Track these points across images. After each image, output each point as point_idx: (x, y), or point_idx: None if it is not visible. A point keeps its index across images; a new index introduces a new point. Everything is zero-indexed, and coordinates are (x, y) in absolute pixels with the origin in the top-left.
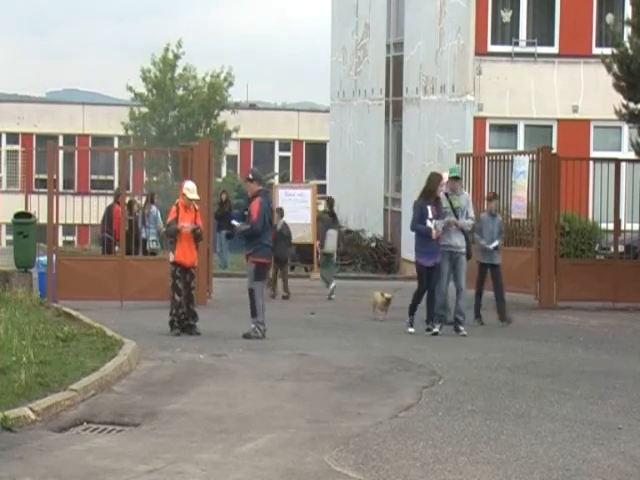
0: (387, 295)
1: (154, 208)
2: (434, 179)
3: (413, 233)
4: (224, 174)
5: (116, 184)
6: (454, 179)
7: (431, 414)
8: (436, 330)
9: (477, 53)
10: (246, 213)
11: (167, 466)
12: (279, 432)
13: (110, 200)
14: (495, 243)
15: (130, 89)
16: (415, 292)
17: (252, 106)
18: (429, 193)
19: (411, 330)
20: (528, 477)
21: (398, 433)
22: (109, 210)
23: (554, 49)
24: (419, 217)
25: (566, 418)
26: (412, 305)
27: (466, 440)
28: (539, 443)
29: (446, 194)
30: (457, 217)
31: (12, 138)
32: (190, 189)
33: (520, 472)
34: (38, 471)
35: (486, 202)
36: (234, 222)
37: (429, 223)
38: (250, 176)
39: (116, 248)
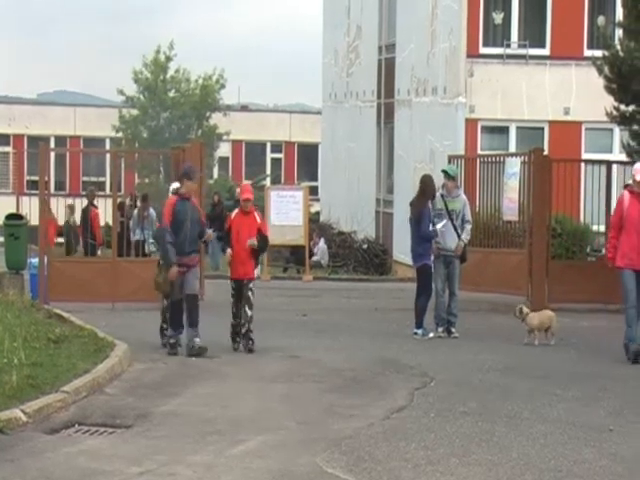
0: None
1: (152, 210)
2: (430, 181)
3: (405, 234)
4: (216, 176)
5: (108, 186)
6: (447, 177)
7: (423, 416)
8: (437, 334)
9: (469, 55)
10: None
11: (159, 468)
12: (271, 434)
13: (103, 202)
14: None
15: (121, 92)
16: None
17: (244, 108)
18: (429, 196)
19: (431, 335)
20: (520, 479)
21: (390, 435)
22: (85, 213)
23: (545, 51)
24: (429, 223)
25: (558, 420)
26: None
27: (458, 441)
28: (531, 445)
29: (442, 195)
30: (452, 219)
31: (3, 140)
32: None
33: (512, 474)
34: (29, 473)
35: None
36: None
37: (431, 227)
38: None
39: (98, 252)
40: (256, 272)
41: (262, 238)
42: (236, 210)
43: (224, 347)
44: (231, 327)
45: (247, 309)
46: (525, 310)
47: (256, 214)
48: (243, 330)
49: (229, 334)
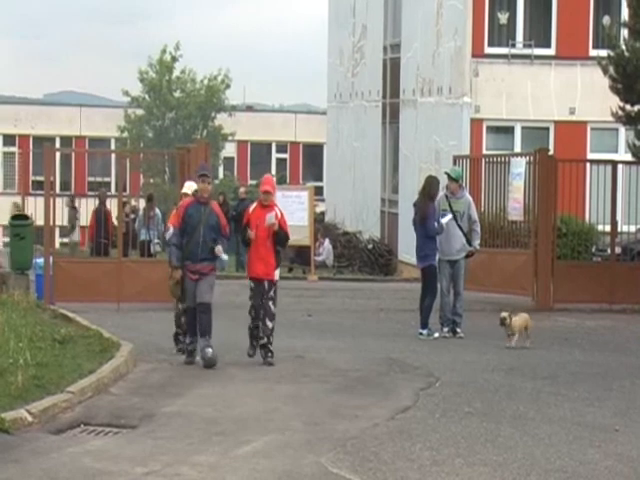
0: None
1: (157, 210)
2: (433, 182)
3: (411, 234)
4: (221, 176)
5: (113, 186)
6: (450, 179)
7: (428, 416)
8: (442, 334)
9: (474, 55)
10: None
11: (164, 468)
12: (276, 434)
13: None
14: None
15: (126, 93)
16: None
17: (249, 108)
18: (433, 196)
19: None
20: (525, 479)
21: (395, 435)
22: (100, 214)
23: (551, 51)
24: (434, 222)
25: (563, 420)
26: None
27: (463, 442)
28: (536, 445)
29: (446, 196)
30: (456, 220)
31: (9, 140)
32: (186, 187)
33: (517, 474)
34: (35, 474)
35: None
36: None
37: (436, 224)
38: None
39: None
40: (276, 274)
41: (282, 235)
42: (254, 204)
43: (229, 348)
44: (249, 330)
45: (267, 321)
46: (507, 320)
47: (276, 209)
48: (262, 342)
49: (248, 336)
